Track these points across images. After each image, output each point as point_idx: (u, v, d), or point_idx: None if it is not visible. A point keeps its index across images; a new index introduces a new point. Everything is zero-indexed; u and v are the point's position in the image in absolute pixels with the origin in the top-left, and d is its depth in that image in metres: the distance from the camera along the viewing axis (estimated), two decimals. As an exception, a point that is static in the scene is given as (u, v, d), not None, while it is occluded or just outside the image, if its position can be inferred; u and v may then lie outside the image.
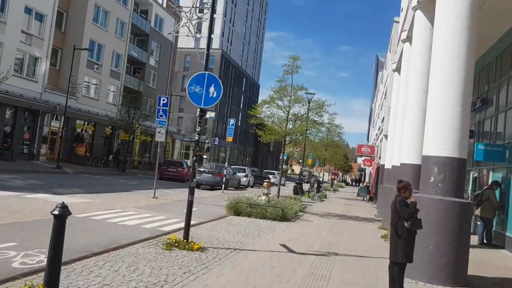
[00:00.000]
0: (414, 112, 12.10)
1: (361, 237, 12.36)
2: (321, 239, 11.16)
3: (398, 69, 19.47)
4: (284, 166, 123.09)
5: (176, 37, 55.57)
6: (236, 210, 13.95)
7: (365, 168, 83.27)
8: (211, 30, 8.94)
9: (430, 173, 7.87)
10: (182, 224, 11.16)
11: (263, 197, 15.20)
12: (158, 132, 16.09)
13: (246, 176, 32.23)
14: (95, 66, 37.63)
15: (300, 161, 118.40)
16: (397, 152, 15.11)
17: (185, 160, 49.79)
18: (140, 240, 8.33)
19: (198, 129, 8.49)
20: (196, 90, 8.40)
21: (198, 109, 8.43)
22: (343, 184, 72.08)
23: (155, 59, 47.97)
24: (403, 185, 6.76)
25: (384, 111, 27.14)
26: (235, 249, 8.46)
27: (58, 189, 15.96)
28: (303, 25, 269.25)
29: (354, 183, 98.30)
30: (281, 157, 17.84)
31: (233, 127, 23.34)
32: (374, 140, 40.27)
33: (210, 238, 9.43)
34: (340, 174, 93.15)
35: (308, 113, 17.05)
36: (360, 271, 7.85)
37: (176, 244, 7.90)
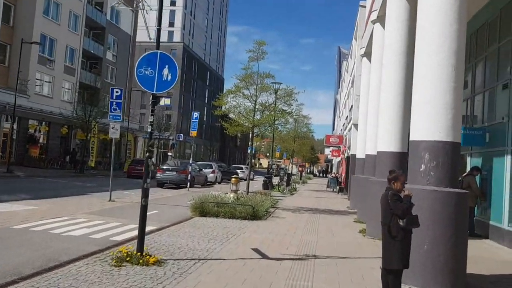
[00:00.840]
0: (391, 96, 11.14)
1: (338, 234, 11.37)
2: (296, 238, 10.08)
3: (367, 54, 18.61)
4: (252, 160, 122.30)
5: (135, 31, 53.48)
6: (202, 210, 12.71)
7: (332, 159, 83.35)
8: None
9: (421, 160, 6.86)
10: (139, 231, 9.88)
11: (231, 195, 14.00)
12: (112, 128, 14.60)
13: (213, 172, 30.87)
14: (48, 62, 35.32)
15: (268, 154, 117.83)
16: (372, 140, 14.21)
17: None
18: (85, 255, 6.99)
19: (150, 119, 7.17)
20: (146, 72, 7.10)
21: (151, 96, 7.13)
22: (311, 175, 71.74)
23: (112, 53, 45.80)
24: (394, 176, 5.70)
25: (352, 99, 26.41)
26: (200, 260, 7.23)
27: (1, 196, 14.24)
28: (266, 19, 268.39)
29: (321, 174, 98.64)
30: (249, 151, 16.66)
31: (197, 120, 21.95)
32: (341, 130, 39.71)
33: (171, 246, 8.16)
34: (307, 166, 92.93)
35: (276, 102, 15.92)
36: (345, 278, 6.78)
37: (127, 259, 6.61)
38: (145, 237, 9.15)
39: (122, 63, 47.77)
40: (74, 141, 39.70)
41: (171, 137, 65.46)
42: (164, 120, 62.22)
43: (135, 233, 9.32)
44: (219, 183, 32.51)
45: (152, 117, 7.17)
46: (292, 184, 28.54)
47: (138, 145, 64.28)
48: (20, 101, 28.96)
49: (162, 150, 67.67)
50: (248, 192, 16.19)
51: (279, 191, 26.13)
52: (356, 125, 22.77)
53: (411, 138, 7.25)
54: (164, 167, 24.68)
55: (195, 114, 22.03)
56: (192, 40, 77.63)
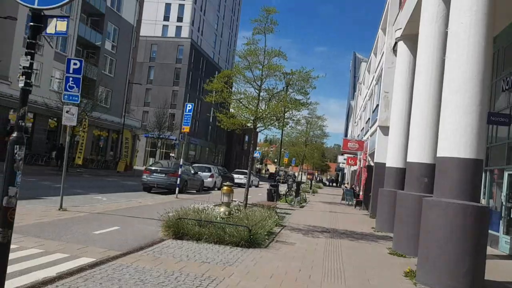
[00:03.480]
0: (466, 77, 7.38)
1: (376, 279, 7.52)
2: (313, 290, 6.27)
3: (405, 38, 14.84)
4: (259, 165, 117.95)
5: (139, 22, 50.19)
6: (178, 230, 8.98)
7: (344, 168, 79.06)
8: None
9: None
10: (62, 267, 6.20)
11: (222, 209, 10.21)
12: (67, 112, 10.91)
13: (211, 176, 27.04)
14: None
15: (276, 160, 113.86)
16: (419, 144, 10.40)
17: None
18: None
19: (24, 62, 3.47)
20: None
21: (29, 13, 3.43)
22: (321, 185, 67.70)
23: (112, 43, 42.32)
24: None
25: (376, 99, 22.58)
26: None
27: None
28: (280, 25, 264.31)
29: (331, 184, 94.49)
30: (251, 151, 12.84)
31: (191, 113, 18.20)
32: (358, 136, 35.81)
33: (83, 314, 4.39)
34: (316, 174, 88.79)
35: (287, 89, 12.12)
36: None
37: None
38: (59, 282, 5.47)
39: (123, 54, 44.34)
40: (64, 135, 36.18)
41: (174, 137, 62.02)
42: (166, 119, 58.89)
43: (53, 270, 5.71)
44: (218, 189, 28.68)
45: (29, 57, 3.46)
46: (301, 194, 24.70)
47: (140, 144, 60.88)
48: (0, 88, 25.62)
49: (164, 151, 64.31)
50: (246, 204, 12.39)
51: (286, 201, 22.35)
52: (383, 128, 18.92)
53: None
54: (152, 168, 20.94)
55: (189, 106, 18.25)
56: (201, 37, 74.22)
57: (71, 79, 10.67)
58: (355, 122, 46.75)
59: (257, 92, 11.94)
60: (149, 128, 55.60)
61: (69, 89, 10.71)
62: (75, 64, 10.63)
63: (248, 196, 13.42)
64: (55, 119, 34.38)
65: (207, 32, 77.27)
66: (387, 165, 15.23)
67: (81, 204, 12.82)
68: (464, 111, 7.33)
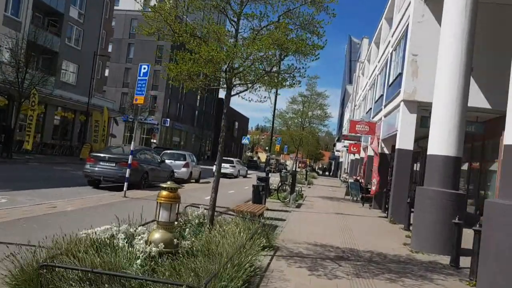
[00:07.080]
0: None
1: None
2: None
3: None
4: (250, 153, 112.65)
5: (113, -10, 44.55)
6: (39, 293, 3.91)
7: (339, 157, 74.16)
8: None
9: None
10: None
11: (156, 235, 5.13)
12: None
13: (186, 165, 21.84)
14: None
15: (267, 148, 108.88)
16: None
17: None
18: None
19: None
20: None
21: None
22: (315, 174, 62.73)
23: (78, 11, 36.67)
24: None
25: (396, 68, 17.57)
26: None
27: None
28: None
29: (324, 173, 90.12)
30: (222, 126, 7.61)
31: (146, 78, 12.89)
32: (362, 118, 30.79)
33: None
34: (308, 162, 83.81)
35: (284, 18, 6.93)
36: None
37: None
38: None
39: (93, 25, 38.70)
40: (18, 116, 30.76)
41: (155, 122, 56.71)
42: (148, 101, 53.52)
43: None
44: (196, 181, 23.54)
45: None
46: (297, 188, 19.72)
47: (118, 128, 55.36)
48: None
49: (145, 136, 59.02)
50: (213, 216, 7.31)
51: (279, 199, 17.39)
52: (410, 103, 13.97)
53: None
54: (100, 154, 15.74)
55: (144, 68, 12.90)
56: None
57: None
58: (355, 105, 41.80)
59: (234, 23, 6.85)
60: (127, 111, 50.26)
61: None
62: None
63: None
64: (6, 96, 29.07)
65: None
66: (429, 153, 10.26)
67: None
68: None
